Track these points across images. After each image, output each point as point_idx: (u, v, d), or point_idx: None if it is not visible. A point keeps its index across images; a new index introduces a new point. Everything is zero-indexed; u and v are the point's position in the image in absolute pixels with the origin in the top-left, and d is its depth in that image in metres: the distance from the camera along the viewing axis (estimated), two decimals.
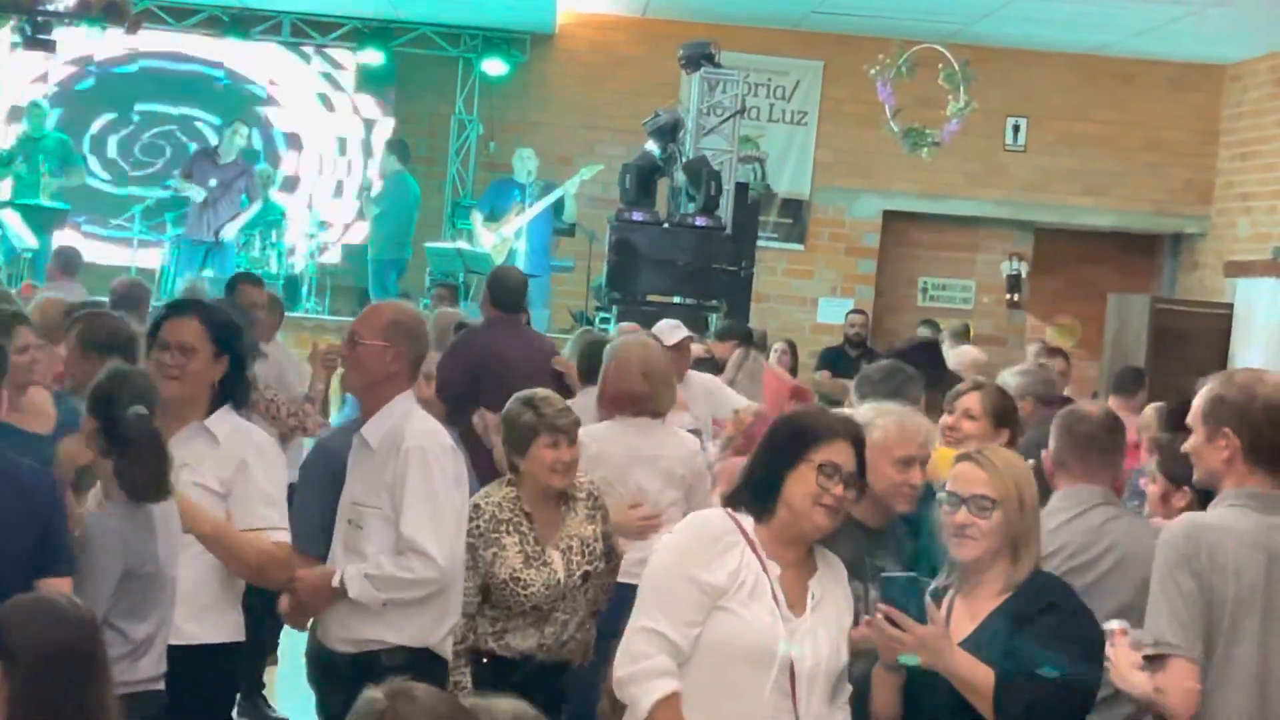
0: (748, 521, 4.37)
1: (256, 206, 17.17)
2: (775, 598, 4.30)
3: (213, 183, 16.88)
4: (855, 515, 4.72)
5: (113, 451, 4.94)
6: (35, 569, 4.63)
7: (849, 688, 4.45)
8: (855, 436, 4.42)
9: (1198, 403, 4.68)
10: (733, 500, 4.46)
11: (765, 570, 4.31)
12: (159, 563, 4.91)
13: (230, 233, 16.94)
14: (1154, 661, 4.40)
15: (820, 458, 4.32)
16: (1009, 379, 8.04)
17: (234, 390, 5.52)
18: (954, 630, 4.36)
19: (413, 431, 5.35)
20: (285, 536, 5.37)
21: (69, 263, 13.69)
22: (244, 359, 5.60)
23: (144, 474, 4.91)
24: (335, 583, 5.33)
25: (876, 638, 4.30)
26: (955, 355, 10.18)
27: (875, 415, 5.25)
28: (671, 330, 9.26)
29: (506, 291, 9.49)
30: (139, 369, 5.29)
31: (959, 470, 4.49)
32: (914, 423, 5.32)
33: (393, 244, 17.58)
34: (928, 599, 4.34)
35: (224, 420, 5.44)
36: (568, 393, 7.84)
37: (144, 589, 4.83)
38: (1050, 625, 4.31)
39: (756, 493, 4.40)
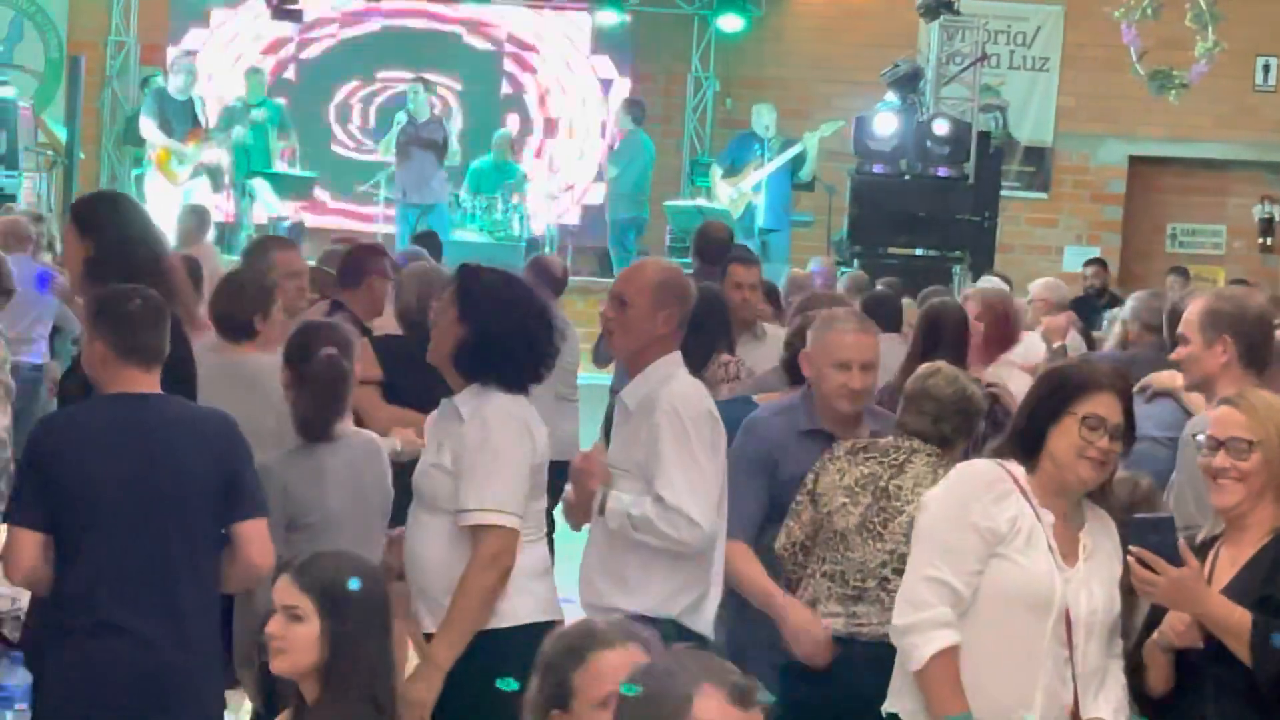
0: (1019, 471, 4.34)
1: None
2: (1050, 546, 4.28)
3: (414, 148, 16.99)
4: None
5: (296, 392, 5.24)
6: (228, 515, 4.70)
7: (1121, 641, 4.40)
8: (1121, 389, 4.34)
9: (1191, 315, 5.26)
10: (1000, 451, 4.44)
11: (1039, 519, 4.29)
12: (327, 510, 4.98)
13: (443, 195, 17.06)
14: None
15: (1084, 410, 4.27)
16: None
17: (485, 361, 4.98)
18: (1217, 577, 4.28)
19: (669, 394, 5.08)
20: (507, 520, 4.85)
21: (202, 222, 13.46)
22: (489, 328, 4.96)
23: (318, 412, 5.15)
24: (597, 500, 5.10)
25: (1132, 580, 4.22)
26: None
27: None
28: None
29: (708, 243, 9.78)
30: (333, 322, 5.53)
31: (1218, 414, 4.41)
32: None
33: (630, 204, 17.64)
34: (1181, 540, 4.24)
35: (470, 398, 4.95)
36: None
37: (309, 539, 4.84)
38: None
39: (1022, 445, 4.36)
